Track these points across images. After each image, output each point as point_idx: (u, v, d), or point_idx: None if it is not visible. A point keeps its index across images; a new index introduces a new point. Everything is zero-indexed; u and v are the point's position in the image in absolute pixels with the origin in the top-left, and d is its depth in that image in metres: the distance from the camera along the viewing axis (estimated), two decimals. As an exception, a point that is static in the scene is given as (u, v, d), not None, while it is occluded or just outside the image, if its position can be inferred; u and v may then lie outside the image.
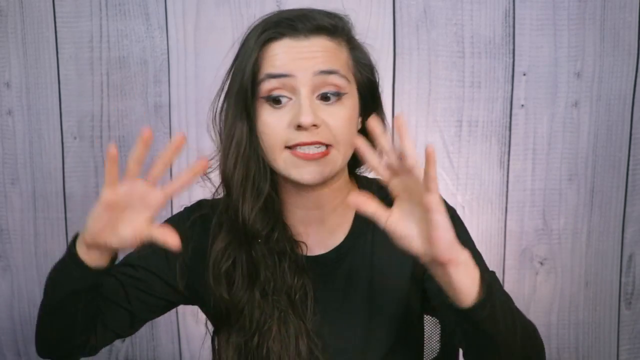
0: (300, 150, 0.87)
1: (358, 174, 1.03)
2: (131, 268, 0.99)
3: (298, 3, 1.45)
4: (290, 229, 0.97)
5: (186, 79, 1.49)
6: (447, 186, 1.52)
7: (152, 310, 1.02)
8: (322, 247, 0.98)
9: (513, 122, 1.50)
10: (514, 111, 1.50)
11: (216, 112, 0.95)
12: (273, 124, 0.88)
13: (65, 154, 1.54)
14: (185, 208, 1.04)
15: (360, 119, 0.95)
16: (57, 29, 1.49)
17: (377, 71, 0.97)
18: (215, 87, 1.53)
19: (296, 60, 0.87)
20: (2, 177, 1.56)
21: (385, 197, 0.99)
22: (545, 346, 1.63)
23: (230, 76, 0.93)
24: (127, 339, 1.58)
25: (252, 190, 0.91)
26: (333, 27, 0.90)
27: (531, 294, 1.56)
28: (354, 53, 0.93)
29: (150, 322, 1.59)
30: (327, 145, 0.88)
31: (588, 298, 1.57)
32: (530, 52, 1.48)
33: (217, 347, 0.99)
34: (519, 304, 1.59)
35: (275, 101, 0.88)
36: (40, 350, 0.97)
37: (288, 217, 0.98)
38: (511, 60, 1.48)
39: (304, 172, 0.88)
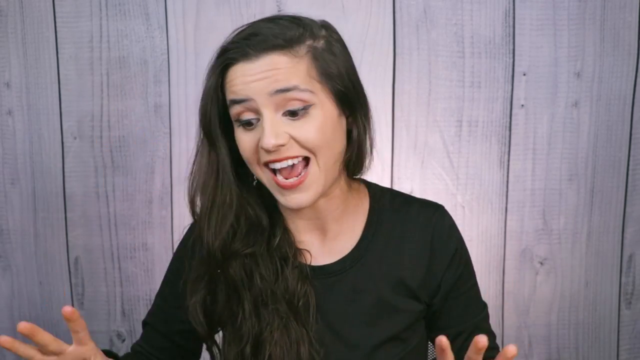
0: (280, 179, 0.88)
1: (365, 179, 1.03)
2: (166, 323, 1.05)
3: (298, 3, 1.46)
4: (293, 235, 0.97)
5: (186, 79, 1.49)
6: (447, 186, 1.52)
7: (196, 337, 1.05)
8: (328, 257, 0.97)
9: (513, 122, 1.50)
10: (514, 111, 1.50)
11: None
12: (245, 145, 0.89)
13: (65, 154, 1.54)
14: (191, 224, 1.05)
15: (349, 119, 0.93)
16: (57, 29, 1.49)
17: (350, 74, 0.91)
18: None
19: (249, 83, 0.85)
20: (2, 177, 1.56)
21: (398, 210, 0.99)
22: (545, 346, 1.64)
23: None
24: (127, 339, 1.59)
25: (217, 218, 0.92)
26: (286, 40, 0.86)
27: (531, 294, 1.56)
28: (317, 63, 0.87)
29: (150, 322, 1.59)
30: (305, 159, 0.88)
31: (588, 298, 1.57)
32: (530, 52, 1.48)
33: (219, 350, 0.99)
34: (519, 304, 1.60)
35: (247, 124, 0.88)
36: None
37: (290, 224, 0.98)
38: (511, 60, 1.48)
39: (288, 200, 0.89)
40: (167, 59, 1.49)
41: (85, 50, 1.50)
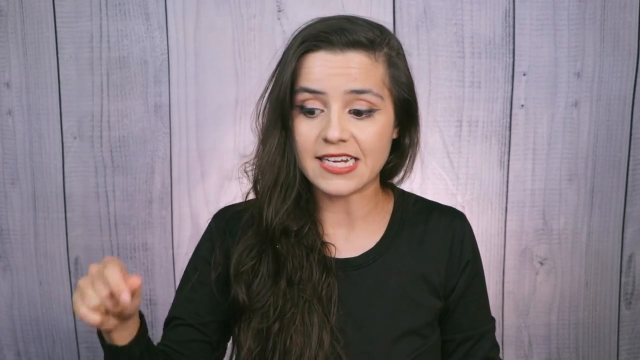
0: (328, 163, 0.90)
1: (395, 184, 1.05)
2: (198, 315, 1.02)
3: (298, 3, 1.46)
4: (321, 226, 1.00)
5: (186, 79, 1.49)
6: (447, 186, 1.52)
7: (224, 329, 1.04)
8: (351, 251, 1.00)
9: (513, 122, 1.50)
10: (514, 111, 1.50)
11: (259, 113, 0.97)
12: (304, 134, 0.91)
13: (65, 154, 1.54)
14: (214, 215, 1.07)
15: (396, 129, 0.97)
16: (57, 29, 1.49)
17: (413, 87, 0.96)
18: (215, 88, 1.54)
19: (330, 75, 0.88)
20: (2, 177, 1.56)
21: (420, 213, 1.03)
22: (545, 346, 1.64)
23: (273, 80, 0.95)
24: (127, 339, 1.58)
25: (279, 195, 0.95)
26: (370, 42, 0.90)
27: (531, 294, 1.56)
28: (391, 70, 0.92)
29: (150, 321, 1.60)
30: (355, 159, 0.91)
31: (588, 298, 1.57)
32: (530, 52, 1.48)
33: (236, 332, 0.99)
34: (519, 304, 1.60)
35: (309, 112, 0.91)
36: None
37: (320, 216, 1.01)
38: (511, 60, 1.48)
39: (330, 184, 0.92)
40: (167, 59, 1.49)
41: (85, 50, 1.50)
